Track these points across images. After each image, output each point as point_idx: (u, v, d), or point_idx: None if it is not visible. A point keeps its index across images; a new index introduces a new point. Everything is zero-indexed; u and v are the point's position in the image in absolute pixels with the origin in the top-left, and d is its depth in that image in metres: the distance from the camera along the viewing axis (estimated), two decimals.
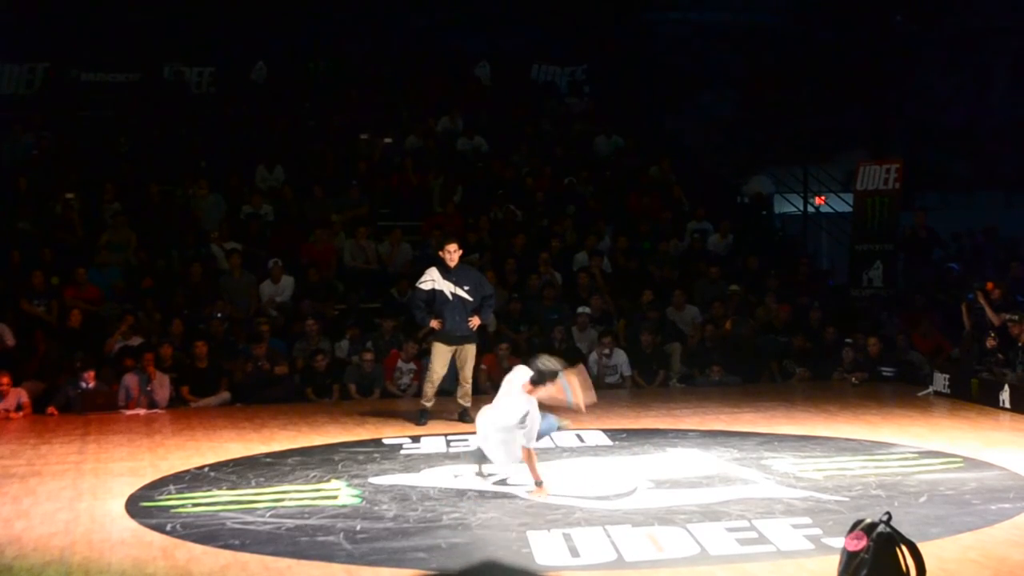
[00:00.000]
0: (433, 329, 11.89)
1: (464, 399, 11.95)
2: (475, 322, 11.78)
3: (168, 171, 17.69)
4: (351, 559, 6.78)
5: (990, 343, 13.42)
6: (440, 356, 11.79)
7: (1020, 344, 12.92)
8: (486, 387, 14.24)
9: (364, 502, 8.23)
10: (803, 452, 9.93)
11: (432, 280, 11.75)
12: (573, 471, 9.22)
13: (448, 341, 11.75)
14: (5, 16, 20.06)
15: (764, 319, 15.97)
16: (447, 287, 11.68)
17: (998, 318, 13.69)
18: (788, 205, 21.23)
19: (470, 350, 11.86)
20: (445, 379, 12.15)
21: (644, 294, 15.99)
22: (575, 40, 23.20)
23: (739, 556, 6.69)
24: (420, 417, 11.81)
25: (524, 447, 8.30)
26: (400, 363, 14.29)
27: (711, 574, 6.41)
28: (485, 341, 14.96)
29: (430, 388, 11.84)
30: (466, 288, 11.70)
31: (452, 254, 11.66)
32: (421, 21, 22.84)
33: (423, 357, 13.48)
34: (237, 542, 7.16)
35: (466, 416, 11.85)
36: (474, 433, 11.09)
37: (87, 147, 18.31)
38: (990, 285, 14.34)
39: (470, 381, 11.96)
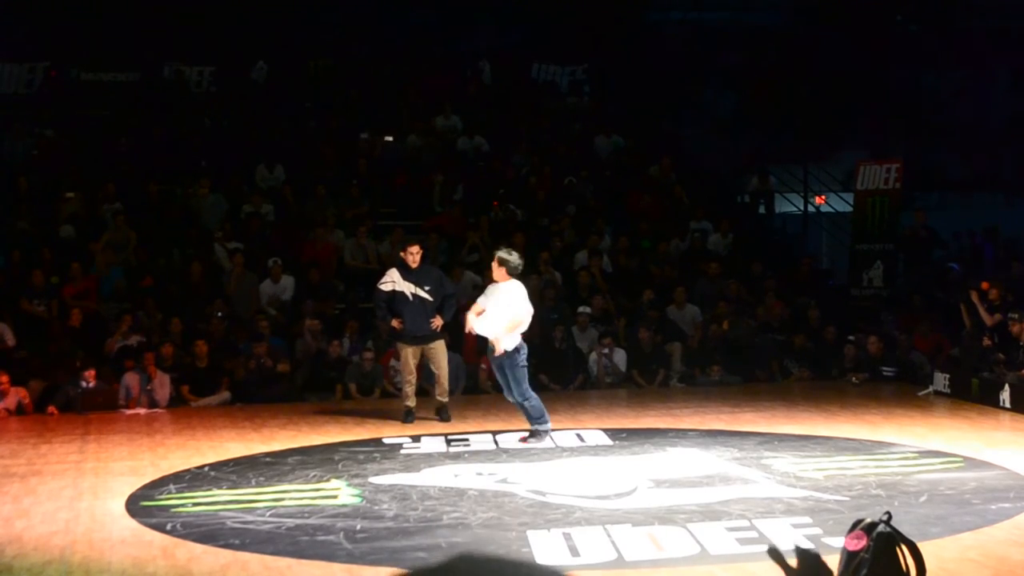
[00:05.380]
0: (395, 329, 11.97)
1: (442, 396, 12.00)
2: (437, 322, 11.81)
3: (168, 171, 17.68)
4: (351, 558, 6.77)
5: (986, 342, 13.40)
6: (407, 357, 11.89)
7: (1022, 343, 12.91)
8: (487, 387, 14.25)
9: (364, 501, 8.23)
10: (803, 452, 9.93)
11: (392, 281, 11.82)
12: (573, 471, 9.23)
13: (410, 342, 11.83)
14: (5, 16, 20.05)
15: (764, 319, 15.97)
16: (407, 288, 11.74)
17: (991, 318, 13.68)
18: (788, 205, 21.23)
19: (439, 348, 11.90)
20: (425, 377, 12.26)
21: (644, 293, 15.99)
22: (575, 40, 23.18)
23: (739, 556, 6.69)
24: (405, 417, 11.88)
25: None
26: (393, 361, 14.27)
27: (711, 574, 6.41)
28: (485, 340, 14.94)
29: (407, 387, 11.94)
30: (427, 288, 11.75)
31: (413, 256, 11.75)
32: (421, 20, 22.83)
33: None
34: (237, 541, 7.15)
35: (443, 413, 11.92)
36: (473, 433, 11.14)
37: (87, 147, 18.30)
38: (985, 285, 14.32)
39: (446, 378, 12.00)
